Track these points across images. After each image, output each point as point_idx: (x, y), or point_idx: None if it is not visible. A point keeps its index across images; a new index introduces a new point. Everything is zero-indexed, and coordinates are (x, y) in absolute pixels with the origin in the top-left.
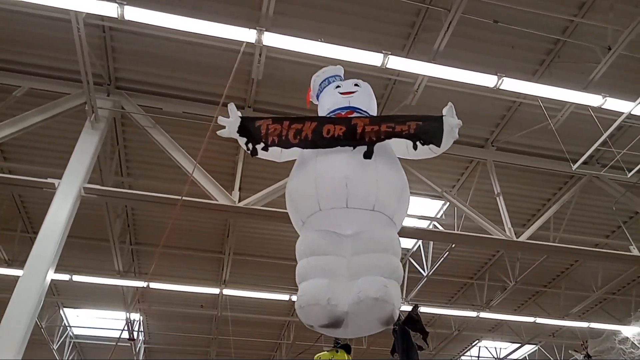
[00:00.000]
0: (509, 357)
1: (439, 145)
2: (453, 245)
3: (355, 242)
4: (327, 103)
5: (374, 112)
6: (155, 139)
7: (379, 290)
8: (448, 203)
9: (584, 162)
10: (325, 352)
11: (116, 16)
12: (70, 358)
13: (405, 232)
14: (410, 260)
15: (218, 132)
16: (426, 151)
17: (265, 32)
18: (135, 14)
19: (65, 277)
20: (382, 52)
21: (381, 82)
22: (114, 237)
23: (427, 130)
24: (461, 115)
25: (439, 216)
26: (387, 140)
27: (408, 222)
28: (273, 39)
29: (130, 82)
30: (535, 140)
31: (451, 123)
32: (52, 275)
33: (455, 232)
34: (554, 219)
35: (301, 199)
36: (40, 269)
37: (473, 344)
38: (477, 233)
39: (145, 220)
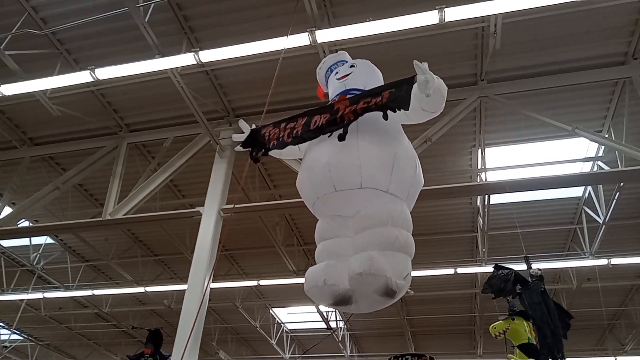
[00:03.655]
0: None
1: (406, 109)
2: (622, 184)
3: (355, 222)
4: (331, 93)
5: (373, 86)
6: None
7: (362, 265)
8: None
9: None
10: (500, 321)
11: (195, 62)
12: (291, 349)
13: (558, 182)
14: (584, 210)
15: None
16: (417, 114)
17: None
18: (210, 55)
19: (253, 282)
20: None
21: (470, 33)
22: (277, 242)
23: (395, 96)
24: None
25: (600, 154)
26: (380, 113)
27: (562, 170)
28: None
29: (246, 108)
30: None
31: (419, 80)
32: (209, 283)
33: (609, 170)
34: None
35: (303, 191)
36: (198, 281)
37: None
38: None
39: (307, 222)
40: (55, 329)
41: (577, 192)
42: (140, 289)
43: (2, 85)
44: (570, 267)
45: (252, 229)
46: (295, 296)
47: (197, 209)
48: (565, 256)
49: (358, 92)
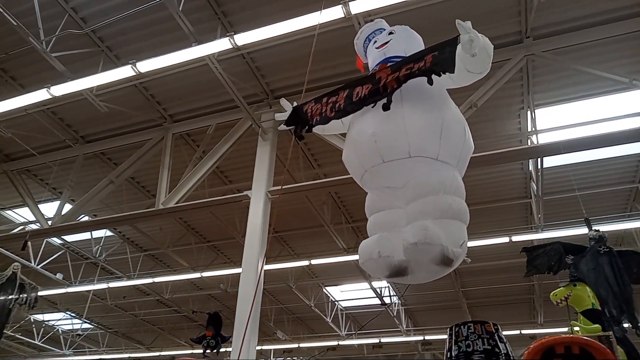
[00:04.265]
0: None
1: (452, 71)
2: None
3: (405, 192)
4: (371, 63)
5: (414, 52)
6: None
7: (416, 235)
8: None
9: None
10: (562, 287)
11: (231, 47)
12: (347, 327)
13: (617, 138)
14: None
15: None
16: (462, 76)
17: None
18: (246, 38)
19: (305, 262)
20: None
21: None
22: (326, 221)
23: (439, 59)
24: None
25: None
26: (424, 78)
27: (620, 125)
28: None
29: (284, 89)
30: None
31: (463, 40)
32: (263, 266)
33: None
34: None
35: (350, 165)
36: (252, 263)
37: None
38: None
39: (354, 199)
40: (122, 316)
41: (637, 148)
42: (197, 275)
43: (52, 87)
44: (634, 228)
45: (300, 209)
46: (347, 274)
47: (245, 192)
48: (628, 217)
49: (399, 59)
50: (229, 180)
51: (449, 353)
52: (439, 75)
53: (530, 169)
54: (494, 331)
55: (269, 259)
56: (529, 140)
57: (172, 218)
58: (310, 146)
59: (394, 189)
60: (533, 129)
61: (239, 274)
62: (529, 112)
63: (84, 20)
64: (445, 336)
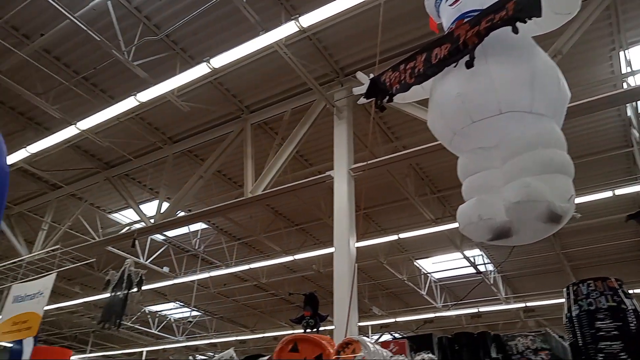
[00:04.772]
0: None
1: (539, 15)
2: None
3: (500, 150)
4: (446, 22)
5: (491, 2)
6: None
7: (518, 194)
8: None
9: None
10: None
11: (297, 29)
12: (442, 298)
13: None
14: None
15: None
16: (549, 20)
17: None
18: (311, 19)
19: (394, 237)
20: None
21: None
22: (410, 194)
23: (523, 5)
24: None
25: None
26: (506, 29)
27: None
28: None
29: (353, 65)
30: None
31: None
32: (354, 244)
33: None
34: None
35: (437, 130)
36: (343, 242)
37: None
38: None
39: (437, 169)
40: (225, 302)
41: None
42: (289, 258)
43: (138, 94)
44: None
45: (382, 184)
46: (437, 245)
47: (327, 173)
48: None
49: (475, 14)
50: (310, 164)
51: (568, 313)
52: (524, 22)
53: (629, 114)
54: (617, 287)
55: (356, 237)
56: (624, 84)
57: (261, 205)
58: (386, 119)
59: (487, 149)
60: (629, 70)
61: (330, 254)
62: (621, 53)
63: (157, 27)
64: (549, 302)
